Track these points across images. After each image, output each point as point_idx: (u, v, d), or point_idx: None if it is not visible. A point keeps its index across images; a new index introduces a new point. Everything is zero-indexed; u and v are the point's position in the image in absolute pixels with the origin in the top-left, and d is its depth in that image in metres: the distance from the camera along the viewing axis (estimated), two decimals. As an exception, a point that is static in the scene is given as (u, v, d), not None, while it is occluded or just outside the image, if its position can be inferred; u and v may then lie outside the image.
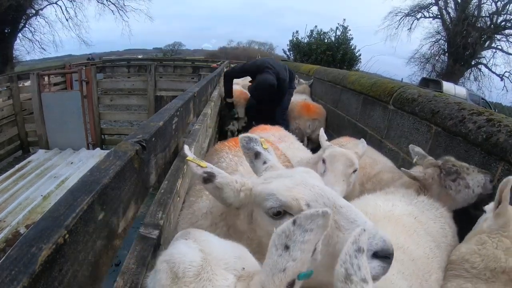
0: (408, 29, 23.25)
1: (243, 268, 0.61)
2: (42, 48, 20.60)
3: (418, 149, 1.98)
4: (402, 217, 1.42)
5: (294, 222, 0.54)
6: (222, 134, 5.06)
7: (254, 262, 0.64)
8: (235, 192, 0.95)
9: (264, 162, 1.10)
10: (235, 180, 0.96)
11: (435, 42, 22.84)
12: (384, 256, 0.78)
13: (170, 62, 14.85)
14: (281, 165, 1.11)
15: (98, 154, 6.11)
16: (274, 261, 0.54)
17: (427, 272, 1.25)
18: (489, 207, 1.42)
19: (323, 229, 0.55)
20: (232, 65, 9.44)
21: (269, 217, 0.88)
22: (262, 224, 0.91)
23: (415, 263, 1.22)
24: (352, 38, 13.28)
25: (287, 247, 0.53)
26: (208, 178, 0.95)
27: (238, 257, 0.63)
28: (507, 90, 20.51)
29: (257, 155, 1.12)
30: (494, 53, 20.76)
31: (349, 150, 1.99)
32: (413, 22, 23.12)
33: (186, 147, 1.09)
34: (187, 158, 0.99)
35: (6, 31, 17.88)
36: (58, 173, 5.23)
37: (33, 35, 19.95)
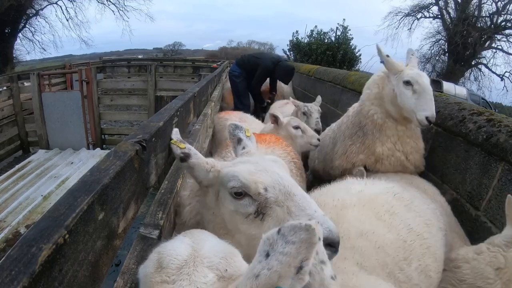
0: (408, 29, 23.27)
1: (226, 270, 0.63)
2: (43, 48, 20.64)
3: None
4: (376, 197, 1.27)
5: (278, 231, 0.54)
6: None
7: (240, 266, 0.65)
8: (204, 172, 1.07)
9: (243, 148, 1.24)
10: (206, 161, 1.08)
11: (435, 42, 22.86)
12: (328, 244, 0.83)
13: (170, 62, 14.87)
14: (257, 152, 1.23)
15: (98, 154, 6.11)
16: (253, 265, 0.54)
17: (404, 260, 1.08)
18: None
19: (308, 245, 0.52)
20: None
21: (231, 197, 0.98)
22: (225, 202, 1.02)
23: (382, 250, 1.07)
24: (352, 38, 13.27)
25: (267, 255, 0.53)
26: (184, 158, 1.09)
27: (224, 258, 0.65)
28: (507, 90, 20.50)
29: (239, 141, 1.28)
30: (494, 53, 20.77)
31: None
32: (413, 22, 23.15)
33: (175, 130, 1.22)
34: (171, 140, 1.13)
35: (6, 31, 17.89)
36: (58, 173, 5.23)
37: (33, 35, 20.01)
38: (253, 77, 5.19)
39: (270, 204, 0.92)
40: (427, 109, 1.79)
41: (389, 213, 1.21)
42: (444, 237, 1.35)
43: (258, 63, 5.15)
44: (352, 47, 13.08)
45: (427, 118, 1.78)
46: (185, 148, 1.11)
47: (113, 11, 21.91)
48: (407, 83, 1.87)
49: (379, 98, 2.06)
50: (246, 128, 1.32)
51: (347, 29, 13.24)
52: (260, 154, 1.17)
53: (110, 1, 21.45)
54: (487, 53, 21.04)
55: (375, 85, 2.12)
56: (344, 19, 13.41)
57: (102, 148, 7.08)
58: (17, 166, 5.50)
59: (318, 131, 3.09)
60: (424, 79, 1.86)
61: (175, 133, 1.20)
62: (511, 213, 1.20)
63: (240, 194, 0.96)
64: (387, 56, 2.01)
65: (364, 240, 1.08)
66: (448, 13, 21.58)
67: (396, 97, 1.92)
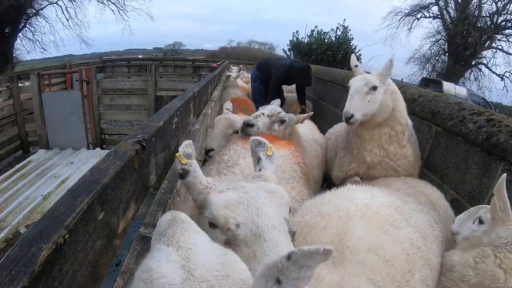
0: (408, 29, 23.27)
1: None
2: (43, 48, 20.65)
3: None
4: (380, 210, 1.25)
5: (289, 257, 0.50)
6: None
7: (244, 277, 0.58)
8: (197, 192, 1.03)
9: (260, 169, 1.14)
10: (200, 182, 1.04)
11: (435, 42, 22.84)
12: None
13: (171, 62, 14.88)
14: (274, 176, 1.12)
15: (98, 154, 6.12)
16: None
17: (408, 272, 1.10)
18: (487, 217, 1.27)
19: (322, 261, 0.52)
20: (232, 66, 9.42)
21: (207, 223, 0.93)
22: (204, 227, 0.94)
23: (390, 265, 1.08)
24: (352, 38, 13.28)
25: (278, 281, 0.50)
26: (182, 175, 1.04)
27: (226, 276, 0.56)
28: (507, 90, 20.50)
29: (258, 160, 1.17)
30: (494, 53, 20.77)
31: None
32: (413, 22, 23.15)
33: (186, 143, 1.12)
34: (176, 154, 1.07)
35: (7, 31, 17.90)
36: (58, 173, 5.23)
37: (33, 35, 20.02)
38: (269, 83, 4.99)
39: (238, 242, 0.84)
40: (345, 107, 2.02)
41: (393, 226, 1.22)
42: (440, 244, 1.36)
43: (271, 70, 4.90)
44: (353, 47, 13.08)
45: (343, 115, 2.00)
46: (186, 164, 1.05)
47: (113, 10, 21.95)
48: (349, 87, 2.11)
49: None
50: (269, 146, 1.21)
51: (348, 29, 13.24)
52: (262, 182, 1.05)
53: (110, 1, 21.48)
54: (487, 53, 21.06)
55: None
56: (344, 19, 13.42)
57: (102, 148, 7.08)
58: (17, 166, 5.50)
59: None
60: (355, 82, 2.08)
61: (184, 146, 1.08)
62: (497, 214, 1.20)
63: (212, 224, 0.91)
64: (355, 66, 2.25)
65: (373, 255, 1.08)
66: (448, 13, 21.59)
67: None
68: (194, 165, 1.05)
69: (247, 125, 2.09)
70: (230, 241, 0.86)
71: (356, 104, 1.97)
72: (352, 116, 1.94)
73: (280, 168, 1.64)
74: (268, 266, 0.51)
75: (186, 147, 1.09)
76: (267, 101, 4.76)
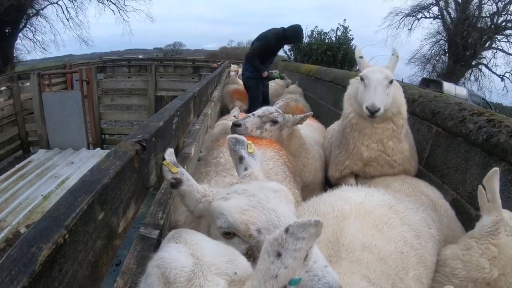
0: (408, 30, 23.27)
1: (235, 273, 0.61)
2: (43, 48, 20.67)
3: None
4: (374, 209, 1.27)
5: (286, 230, 0.55)
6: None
7: (246, 266, 0.64)
8: (194, 202, 0.97)
9: (245, 169, 1.09)
10: (197, 190, 0.98)
11: (435, 43, 22.85)
12: None
13: (171, 62, 14.90)
14: (261, 173, 1.08)
15: (99, 154, 6.12)
16: (266, 268, 0.55)
17: (402, 270, 1.11)
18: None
19: (315, 237, 0.56)
20: (233, 65, 9.44)
21: (220, 235, 0.88)
22: (215, 239, 0.90)
23: (384, 262, 1.09)
24: (353, 39, 13.30)
25: (279, 254, 0.55)
26: (175, 184, 0.99)
27: (230, 261, 0.63)
28: (507, 91, 20.51)
29: (241, 159, 1.12)
30: (494, 53, 20.78)
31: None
32: (413, 22, 23.16)
33: (169, 150, 1.10)
34: (163, 162, 1.03)
35: (7, 31, 17.93)
36: (59, 173, 5.24)
37: (33, 35, 20.05)
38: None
39: None
40: (368, 99, 1.88)
41: (387, 225, 1.23)
42: (436, 243, 1.37)
43: (259, 39, 4.82)
44: (353, 47, 13.08)
45: (367, 107, 1.87)
46: (177, 172, 1.00)
47: (113, 11, 21.97)
48: (361, 79, 1.99)
49: (352, 98, 2.14)
50: (249, 143, 1.16)
51: (348, 29, 13.25)
52: (261, 182, 1.02)
53: (110, 1, 21.49)
54: (488, 54, 21.08)
55: (350, 87, 2.23)
56: (345, 19, 13.43)
57: (102, 148, 7.09)
58: (17, 166, 5.50)
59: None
60: (375, 74, 1.94)
61: (169, 154, 1.06)
62: (484, 204, 1.22)
63: (228, 233, 0.86)
64: (360, 57, 2.13)
65: (368, 253, 1.08)
66: (449, 13, 21.60)
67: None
68: (185, 173, 1.01)
69: (235, 125, 2.10)
70: (253, 248, 0.82)
71: (381, 97, 1.88)
72: (379, 109, 1.85)
73: (273, 171, 1.61)
74: (269, 241, 0.56)
75: (171, 155, 1.06)
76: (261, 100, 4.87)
